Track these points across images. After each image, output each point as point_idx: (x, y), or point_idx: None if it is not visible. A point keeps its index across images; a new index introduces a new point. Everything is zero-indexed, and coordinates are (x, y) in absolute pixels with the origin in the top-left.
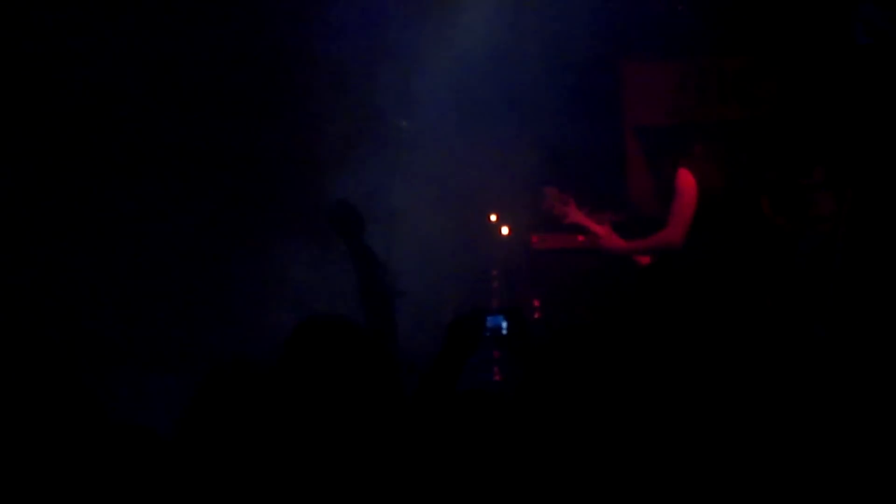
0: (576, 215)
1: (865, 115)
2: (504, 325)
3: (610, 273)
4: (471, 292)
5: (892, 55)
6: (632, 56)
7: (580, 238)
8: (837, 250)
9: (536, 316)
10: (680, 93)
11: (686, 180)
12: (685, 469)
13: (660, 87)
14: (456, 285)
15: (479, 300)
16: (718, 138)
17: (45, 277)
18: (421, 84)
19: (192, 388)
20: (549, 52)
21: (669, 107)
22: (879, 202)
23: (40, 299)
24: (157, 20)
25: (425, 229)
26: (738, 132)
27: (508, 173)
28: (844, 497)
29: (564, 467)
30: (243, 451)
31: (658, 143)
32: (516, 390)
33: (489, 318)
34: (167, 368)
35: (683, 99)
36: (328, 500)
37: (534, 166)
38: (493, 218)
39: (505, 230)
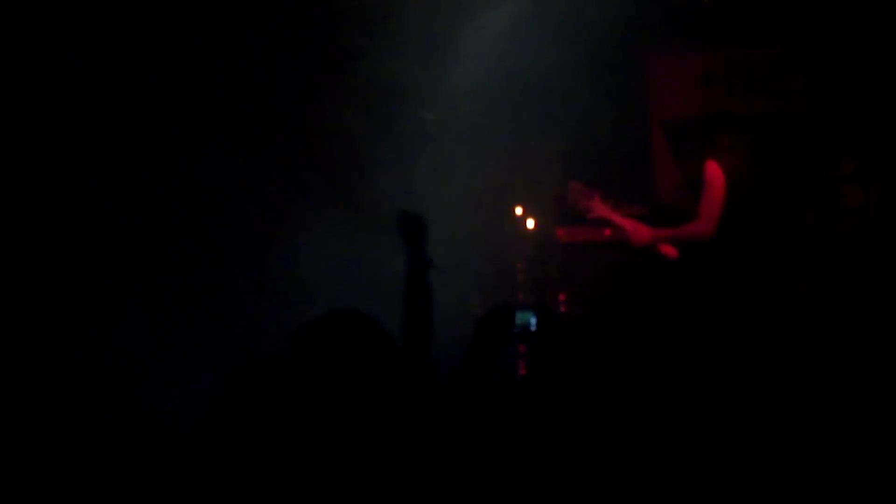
0: (601, 209)
1: (893, 107)
2: (533, 320)
3: (637, 267)
4: (496, 286)
5: None
6: (657, 48)
7: (606, 232)
8: (866, 243)
9: (563, 310)
10: (706, 85)
11: (714, 172)
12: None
13: (686, 80)
14: (482, 279)
15: (504, 294)
16: (746, 131)
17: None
18: (446, 78)
19: (216, 383)
20: (573, 44)
21: (696, 99)
22: None
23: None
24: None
25: (451, 222)
26: (766, 124)
27: (534, 166)
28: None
29: (585, 458)
30: (264, 446)
31: (684, 136)
32: (542, 384)
33: (518, 314)
34: (197, 364)
35: (710, 91)
36: (349, 495)
37: (559, 160)
38: (519, 211)
39: (531, 223)
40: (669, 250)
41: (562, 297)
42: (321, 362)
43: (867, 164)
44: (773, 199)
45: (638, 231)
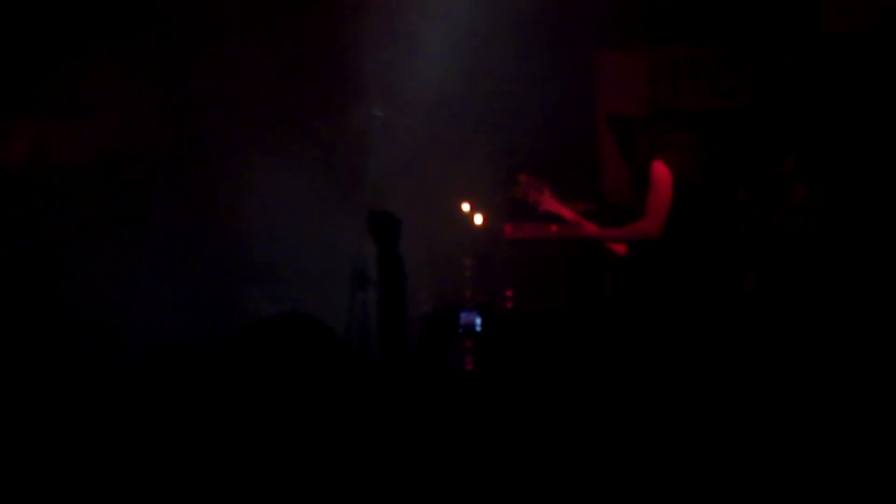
0: (550, 203)
1: (837, 106)
2: (478, 321)
3: (584, 263)
4: (444, 281)
5: (861, 46)
6: (606, 45)
7: (553, 228)
8: (809, 239)
9: (509, 305)
10: (653, 83)
11: (661, 171)
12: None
13: (633, 77)
14: (429, 274)
15: (451, 290)
16: (692, 128)
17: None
18: (395, 73)
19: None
20: (524, 40)
21: (642, 96)
22: (850, 192)
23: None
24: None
25: (399, 218)
26: (712, 122)
27: (483, 163)
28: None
29: (529, 451)
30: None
31: (632, 133)
32: (487, 379)
33: (463, 314)
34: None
35: (657, 89)
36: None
37: (508, 156)
38: (467, 207)
39: (478, 219)
40: (618, 247)
41: (509, 292)
42: (263, 364)
43: (811, 161)
44: (719, 197)
45: (584, 227)
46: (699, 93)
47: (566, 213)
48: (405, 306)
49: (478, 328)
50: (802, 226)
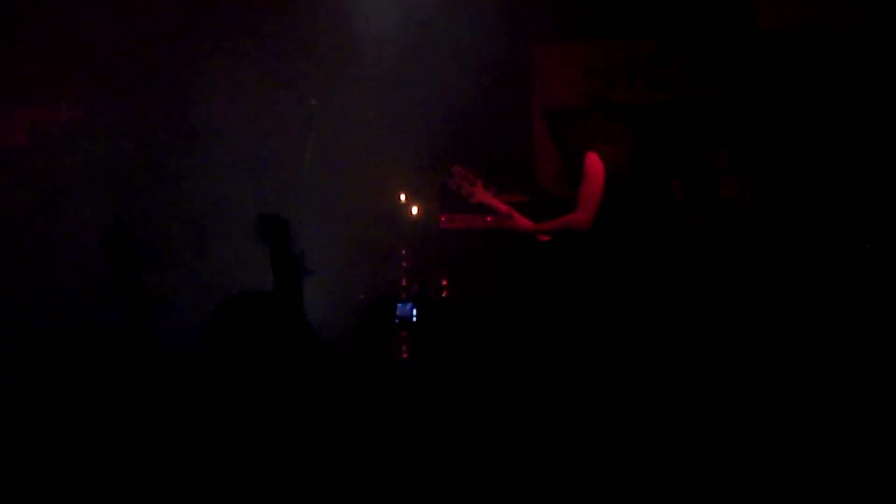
0: (483, 195)
1: (769, 100)
2: (414, 311)
3: (517, 253)
4: (380, 271)
5: (794, 41)
6: (542, 37)
7: (488, 219)
8: (739, 232)
9: (444, 295)
10: (587, 76)
11: (594, 163)
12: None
13: (568, 70)
14: (366, 264)
15: (387, 279)
16: (626, 122)
17: None
18: (331, 64)
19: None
20: (461, 32)
21: (577, 89)
22: (782, 186)
23: None
24: None
25: (336, 208)
26: (645, 116)
27: (419, 154)
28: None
29: (464, 438)
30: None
31: (565, 126)
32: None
33: (399, 306)
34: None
35: (591, 82)
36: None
37: (444, 147)
38: (403, 198)
39: (414, 210)
40: (542, 236)
41: (444, 281)
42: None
43: (743, 155)
44: (652, 191)
45: (516, 219)
46: (633, 86)
47: (498, 205)
48: (302, 307)
49: (413, 319)
50: (733, 218)
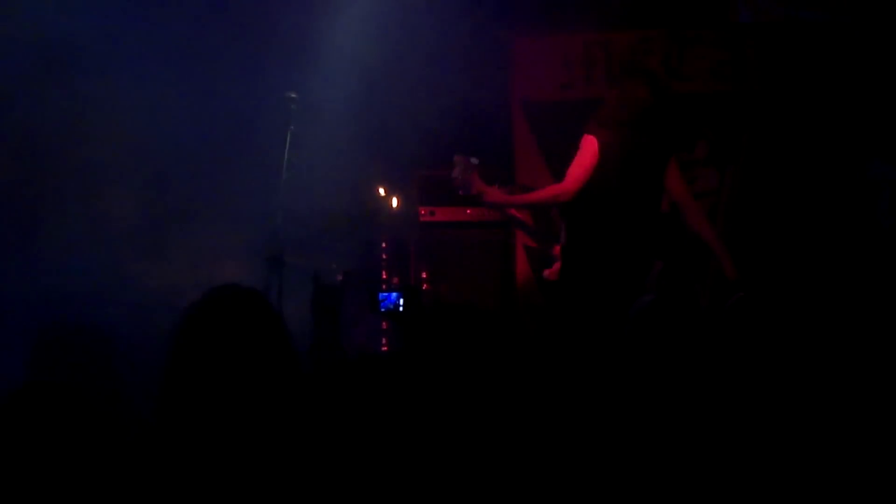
0: (478, 184)
1: (747, 92)
2: (401, 301)
3: (499, 244)
4: (361, 264)
5: (773, 32)
6: (522, 30)
7: (468, 211)
8: (718, 225)
9: (424, 287)
10: (567, 68)
11: (589, 142)
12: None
13: (548, 63)
14: (346, 256)
15: (368, 272)
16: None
17: None
18: (310, 55)
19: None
20: (440, 25)
21: (557, 82)
22: (761, 178)
23: None
24: None
25: (316, 201)
26: (646, 113)
27: (399, 147)
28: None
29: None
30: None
31: (546, 119)
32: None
33: (388, 294)
34: None
35: (571, 74)
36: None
37: (424, 140)
38: (383, 191)
39: (394, 202)
40: (524, 217)
41: (424, 274)
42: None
43: (722, 147)
44: (638, 183)
45: (495, 194)
46: (612, 78)
47: (481, 186)
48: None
49: (401, 308)
50: (712, 211)
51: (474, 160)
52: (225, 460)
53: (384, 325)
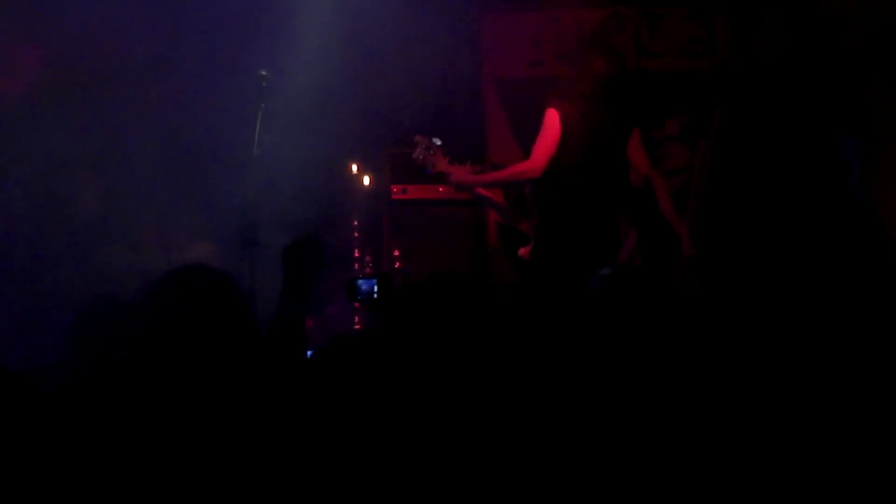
0: (442, 164)
1: (719, 69)
2: (376, 288)
3: (472, 222)
4: (331, 241)
5: (744, 9)
6: (493, 7)
7: (440, 189)
8: (689, 203)
9: (397, 266)
10: (538, 45)
11: (552, 117)
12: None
13: (518, 40)
14: (317, 235)
15: (339, 250)
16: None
17: None
18: (282, 33)
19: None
20: (413, 2)
21: (528, 60)
22: (733, 155)
23: None
24: None
25: (287, 179)
26: (606, 86)
27: (370, 125)
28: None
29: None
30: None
31: (517, 96)
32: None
33: (363, 282)
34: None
35: (542, 52)
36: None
37: (395, 118)
38: (355, 168)
39: (366, 180)
40: (494, 195)
41: (396, 252)
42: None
43: (693, 124)
44: (601, 156)
45: (462, 174)
46: (571, 53)
47: (445, 167)
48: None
49: (375, 295)
50: (683, 188)
51: (437, 141)
52: (188, 449)
53: (356, 304)
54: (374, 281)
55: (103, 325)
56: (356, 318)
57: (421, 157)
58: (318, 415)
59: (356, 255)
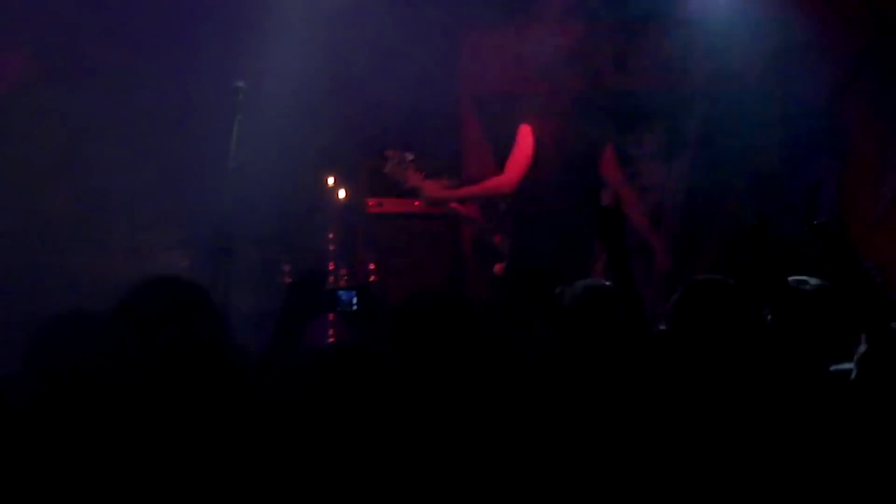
0: (415, 179)
1: (695, 87)
2: (354, 300)
3: (447, 236)
4: (307, 255)
5: (720, 28)
6: (472, 23)
7: (416, 203)
8: (663, 219)
9: (372, 279)
10: (516, 61)
11: (525, 133)
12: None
13: (497, 56)
14: (292, 248)
15: (315, 262)
16: (555, 108)
17: None
18: (259, 45)
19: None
20: (392, 16)
21: (505, 75)
22: (706, 173)
23: None
24: None
25: (263, 191)
26: (575, 101)
27: (347, 138)
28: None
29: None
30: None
31: (495, 112)
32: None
33: (343, 293)
34: None
35: (520, 68)
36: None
37: (372, 132)
38: (331, 181)
39: (342, 193)
40: (472, 211)
41: (371, 265)
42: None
43: (669, 141)
44: (575, 171)
45: (435, 189)
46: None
47: (417, 181)
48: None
49: (354, 307)
50: (658, 205)
51: (409, 155)
52: (155, 463)
53: (331, 316)
54: (354, 292)
55: (68, 338)
56: (330, 332)
57: (393, 172)
58: (289, 425)
59: (331, 267)
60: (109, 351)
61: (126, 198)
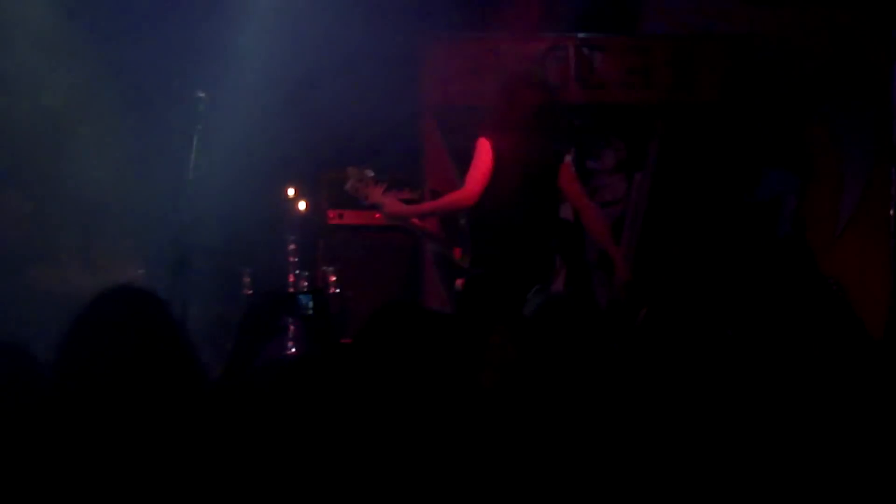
0: (375, 195)
1: (656, 101)
2: (310, 304)
3: (408, 249)
4: (268, 266)
5: (682, 43)
6: (432, 35)
7: (377, 215)
8: (625, 234)
9: (332, 291)
10: (477, 74)
11: (483, 145)
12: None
13: (458, 68)
14: (253, 259)
15: (274, 275)
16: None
17: None
18: (220, 55)
19: None
20: (353, 28)
21: (466, 88)
22: (667, 187)
23: None
24: None
25: (223, 201)
26: (535, 115)
27: (307, 149)
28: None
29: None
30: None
31: (456, 124)
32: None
33: (302, 297)
34: None
35: (481, 80)
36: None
37: (333, 143)
38: (291, 192)
39: (302, 205)
40: (429, 225)
41: (331, 277)
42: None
43: (630, 156)
44: (532, 185)
45: (394, 204)
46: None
47: (378, 197)
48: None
49: (310, 312)
50: (620, 219)
51: (369, 172)
52: (114, 477)
53: (290, 328)
54: (310, 296)
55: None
56: (289, 343)
57: (354, 189)
58: (249, 438)
59: (290, 279)
60: (65, 365)
61: (82, 208)
